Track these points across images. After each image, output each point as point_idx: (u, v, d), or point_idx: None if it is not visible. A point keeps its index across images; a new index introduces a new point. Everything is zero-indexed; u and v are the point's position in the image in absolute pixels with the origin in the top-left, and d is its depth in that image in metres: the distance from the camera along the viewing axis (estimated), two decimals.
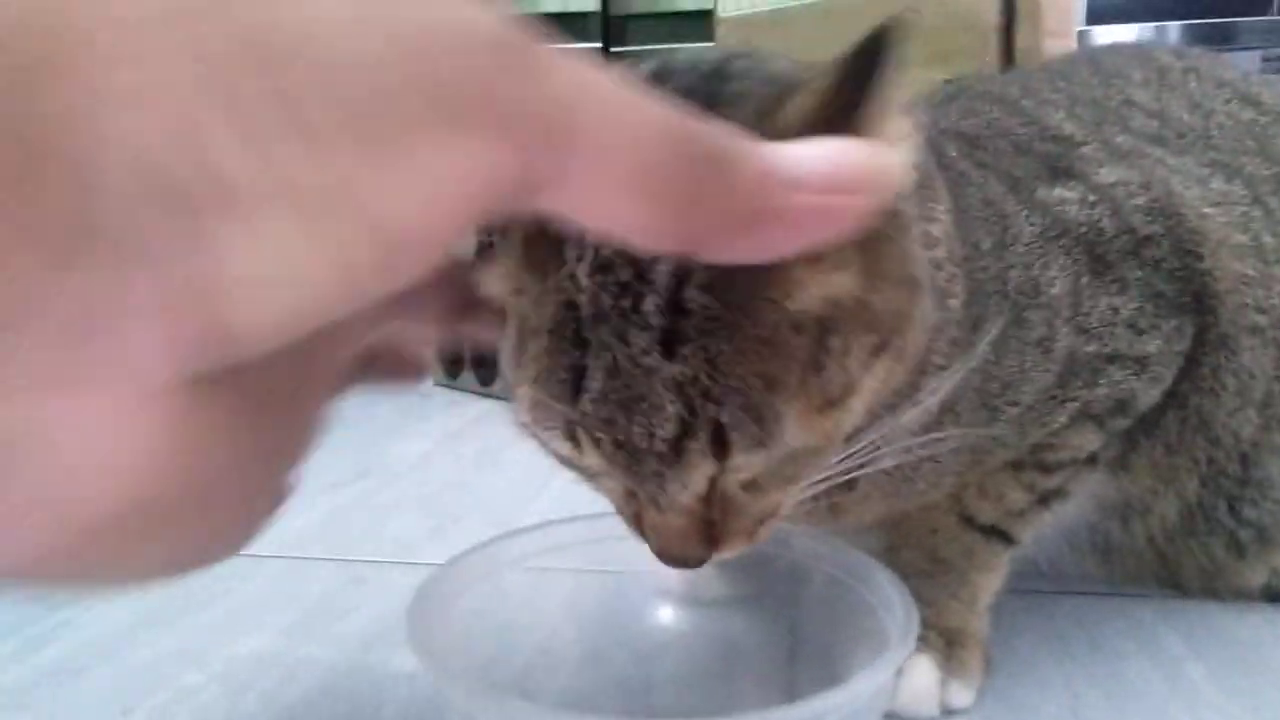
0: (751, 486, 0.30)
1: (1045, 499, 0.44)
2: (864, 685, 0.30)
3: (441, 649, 0.33)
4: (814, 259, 0.26)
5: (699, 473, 0.28)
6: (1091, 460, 0.44)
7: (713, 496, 0.29)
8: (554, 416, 0.28)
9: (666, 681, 0.41)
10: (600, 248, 0.26)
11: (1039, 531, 0.45)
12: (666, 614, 0.43)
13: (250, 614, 0.50)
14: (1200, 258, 0.42)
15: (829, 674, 0.36)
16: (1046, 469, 0.43)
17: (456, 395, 1.02)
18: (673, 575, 0.44)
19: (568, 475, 0.31)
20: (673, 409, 0.26)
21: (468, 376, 1.02)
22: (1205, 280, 0.43)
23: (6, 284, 0.15)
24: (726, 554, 0.30)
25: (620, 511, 0.32)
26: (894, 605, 0.34)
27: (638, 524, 0.31)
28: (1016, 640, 0.45)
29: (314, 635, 0.48)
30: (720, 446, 0.27)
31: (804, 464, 0.30)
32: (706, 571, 0.44)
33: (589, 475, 0.31)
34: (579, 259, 0.26)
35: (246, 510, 0.22)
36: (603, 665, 0.41)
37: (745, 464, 0.28)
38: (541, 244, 0.27)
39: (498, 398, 0.99)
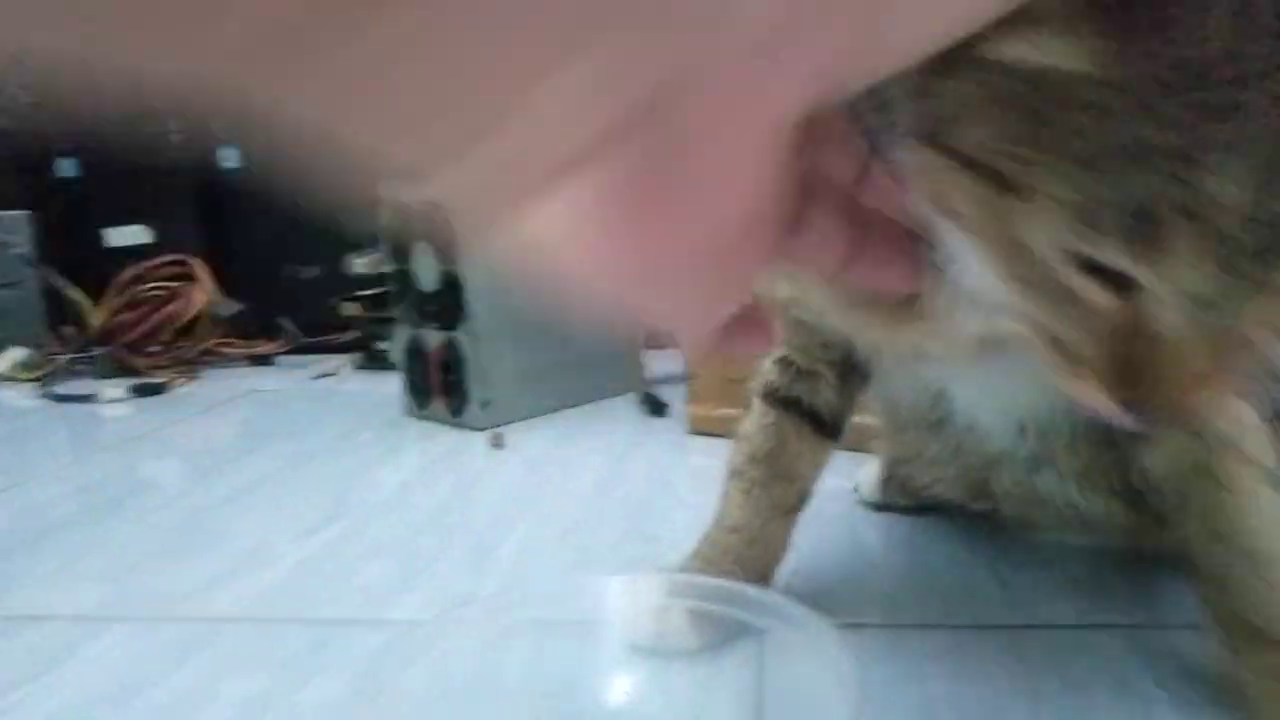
0: None
1: None
2: None
3: None
4: None
5: None
6: None
7: None
8: (1117, 212, 0.25)
9: None
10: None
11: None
12: (630, 678, 0.42)
13: (206, 688, 0.49)
14: None
15: None
16: None
17: (429, 426, 1.01)
18: (642, 627, 0.44)
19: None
20: None
21: (438, 406, 1.01)
22: None
23: None
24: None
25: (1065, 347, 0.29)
26: (844, 674, 0.34)
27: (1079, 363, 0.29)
28: (987, 683, 0.45)
29: (272, 708, 0.47)
30: None
31: None
32: (678, 621, 0.44)
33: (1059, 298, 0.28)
34: (1207, 8, 0.24)
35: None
36: None
37: None
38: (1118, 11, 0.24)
39: (469, 428, 0.98)
